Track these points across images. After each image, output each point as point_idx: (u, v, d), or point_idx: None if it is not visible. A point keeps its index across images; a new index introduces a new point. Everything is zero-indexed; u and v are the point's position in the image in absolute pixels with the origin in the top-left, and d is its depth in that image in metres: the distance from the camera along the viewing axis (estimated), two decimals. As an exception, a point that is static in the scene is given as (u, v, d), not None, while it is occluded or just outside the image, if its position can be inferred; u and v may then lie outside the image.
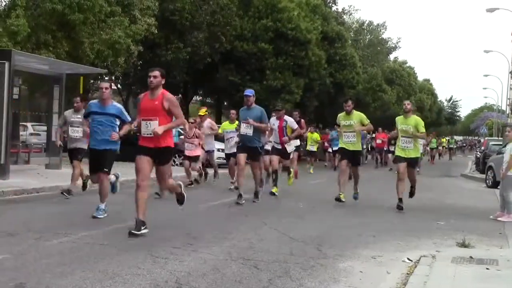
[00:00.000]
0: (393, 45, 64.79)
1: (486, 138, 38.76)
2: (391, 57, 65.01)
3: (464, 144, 79.26)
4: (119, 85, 31.34)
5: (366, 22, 62.18)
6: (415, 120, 11.54)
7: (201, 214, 9.89)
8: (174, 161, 19.10)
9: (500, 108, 62.75)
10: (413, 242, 8.10)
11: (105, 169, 9.16)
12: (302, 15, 32.31)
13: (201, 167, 15.05)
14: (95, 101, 9.46)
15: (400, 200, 11.33)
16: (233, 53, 29.60)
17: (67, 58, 18.39)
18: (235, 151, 12.52)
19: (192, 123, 14.32)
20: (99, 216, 8.84)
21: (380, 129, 29.93)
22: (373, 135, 32.39)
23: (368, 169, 27.01)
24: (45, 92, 17.38)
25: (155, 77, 7.70)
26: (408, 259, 6.89)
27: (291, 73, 31.17)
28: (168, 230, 7.99)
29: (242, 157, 11.49)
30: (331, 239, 8.00)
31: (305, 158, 24.67)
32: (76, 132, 11.14)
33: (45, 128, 17.31)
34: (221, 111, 37.87)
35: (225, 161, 17.90)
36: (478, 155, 28.59)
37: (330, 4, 43.48)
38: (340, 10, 49.36)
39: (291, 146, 13.68)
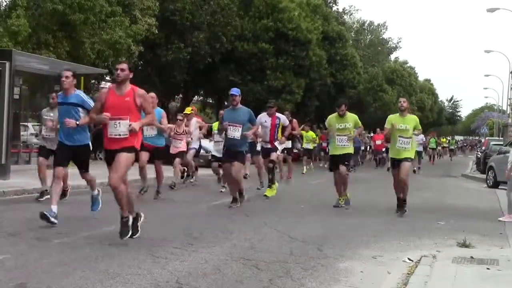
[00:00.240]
0: (394, 45, 64.90)
1: (486, 138, 38.76)
2: (392, 57, 65.10)
3: (465, 144, 79.26)
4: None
5: (367, 22, 62.28)
6: (413, 118, 11.00)
7: (201, 214, 9.89)
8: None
9: (501, 108, 62.76)
10: (413, 242, 8.10)
11: (83, 170, 8.84)
12: (302, 15, 32.32)
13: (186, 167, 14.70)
14: (60, 92, 8.99)
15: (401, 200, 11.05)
16: (233, 53, 29.61)
17: (68, 58, 18.39)
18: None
19: (180, 120, 14.01)
20: (97, 210, 8.87)
21: (378, 129, 29.55)
22: (371, 135, 32.36)
23: (368, 169, 27.02)
24: (46, 92, 17.38)
25: (122, 70, 7.07)
26: (408, 259, 6.89)
27: (291, 73, 31.18)
28: (169, 230, 7.99)
29: (229, 167, 10.73)
30: (331, 239, 8.00)
31: (301, 158, 24.49)
32: (48, 131, 10.24)
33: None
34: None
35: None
36: (479, 155, 28.59)
37: (331, 4, 43.51)
38: (340, 10, 49.51)
39: (282, 146, 13.24)
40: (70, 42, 19.03)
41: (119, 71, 7.03)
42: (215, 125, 14.38)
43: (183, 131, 13.84)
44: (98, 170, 10.32)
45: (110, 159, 6.97)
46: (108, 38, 19.37)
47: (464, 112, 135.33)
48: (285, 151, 16.06)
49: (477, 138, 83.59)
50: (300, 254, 6.85)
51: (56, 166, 8.43)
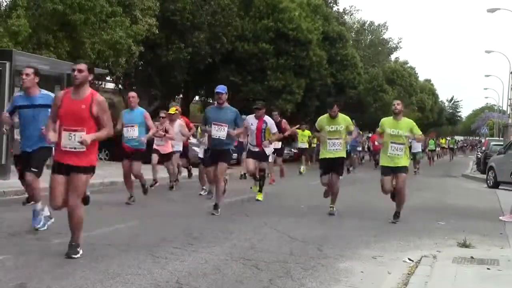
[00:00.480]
0: (394, 46, 64.86)
1: (487, 139, 38.74)
2: (392, 57, 65.06)
3: (465, 145, 79.24)
4: (120, 86, 31.34)
5: (367, 23, 62.25)
6: (408, 123, 9.92)
7: (201, 214, 9.89)
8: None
9: (501, 108, 62.75)
10: (414, 242, 8.10)
11: (32, 169, 7.49)
12: (303, 16, 32.31)
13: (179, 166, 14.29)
14: (20, 92, 7.93)
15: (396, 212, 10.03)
16: (234, 53, 29.60)
17: (68, 58, 18.37)
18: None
19: (163, 117, 13.50)
20: (37, 226, 7.51)
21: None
22: (370, 135, 32.31)
23: (367, 170, 27.00)
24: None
25: (80, 71, 6.04)
26: (409, 259, 6.89)
27: (292, 73, 31.17)
28: (169, 230, 7.99)
29: (216, 170, 10.00)
30: (332, 239, 8.00)
31: (291, 159, 24.52)
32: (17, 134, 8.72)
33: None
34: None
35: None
36: (479, 156, 28.59)
37: (331, 5, 43.52)
38: (341, 10, 49.51)
39: (271, 148, 12.51)
40: (70, 42, 19.03)
41: (76, 72, 6.01)
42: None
43: (163, 128, 13.20)
44: (99, 170, 10.34)
45: (60, 171, 6.09)
46: (109, 38, 19.37)
47: (464, 112, 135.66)
48: (275, 153, 15.56)
49: (477, 138, 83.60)
50: (300, 254, 6.85)
51: (24, 173, 7.66)
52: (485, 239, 8.57)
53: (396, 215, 9.99)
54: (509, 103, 51.34)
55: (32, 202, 7.76)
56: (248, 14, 30.72)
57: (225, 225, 8.80)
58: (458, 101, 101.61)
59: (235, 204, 11.40)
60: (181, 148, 14.03)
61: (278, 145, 15.49)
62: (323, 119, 10.40)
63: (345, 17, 51.92)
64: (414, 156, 25.26)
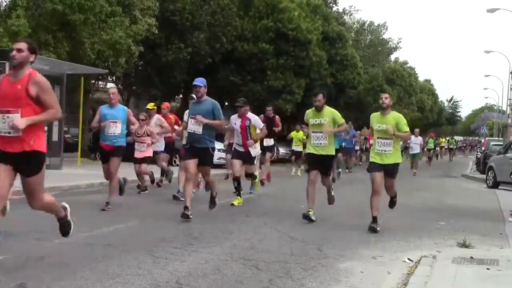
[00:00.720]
0: (394, 46, 64.89)
1: (486, 139, 38.76)
2: (392, 57, 65.08)
3: (464, 145, 79.28)
4: (120, 86, 31.34)
5: (367, 23, 62.26)
6: (395, 117, 9.06)
7: (201, 214, 9.88)
8: (175, 162, 18.56)
9: (500, 108, 62.85)
10: (413, 242, 8.10)
11: None
12: (302, 16, 32.34)
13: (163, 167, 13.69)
14: None
15: (375, 219, 8.88)
16: (233, 53, 29.62)
17: (68, 58, 18.42)
18: None
19: (142, 120, 12.70)
20: None
21: None
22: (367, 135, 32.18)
23: (365, 169, 27.01)
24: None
25: (19, 50, 5.57)
26: (408, 259, 6.89)
27: (292, 73, 31.20)
28: (169, 230, 7.99)
29: (192, 164, 9.24)
30: (331, 239, 8.00)
31: (290, 159, 23.93)
32: None
33: (45, 128, 17.30)
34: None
35: (224, 160, 17.59)
36: (479, 156, 28.60)
37: (331, 5, 43.55)
38: (340, 10, 49.57)
39: (256, 149, 11.81)
40: (70, 42, 19.05)
41: (15, 52, 5.53)
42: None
43: (144, 132, 12.60)
44: (99, 171, 10.35)
45: (2, 159, 5.48)
46: (108, 38, 19.39)
47: (464, 112, 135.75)
48: (267, 150, 14.73)
49: (477, 138, 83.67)
50: (300, 254, 6.85)
51: None
52: (485, 239, 8.57)
53: (392, 201, 9.73)
54: (508, 103, 51.44)
55: None
56: (247, 14, 30.74)
57: (225, 225, 8.80)
58: (457, 101, 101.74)
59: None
60: (163, 148, 13.48)
61: (271, 141, 14.71)
62: (309, 112, 9.74)
63: (345, 17, 51.97)
64: (413, 157, 25.23)
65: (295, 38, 30.89)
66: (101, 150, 10.29)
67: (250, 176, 11.98)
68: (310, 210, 9.46)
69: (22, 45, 5.63)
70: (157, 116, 13.19)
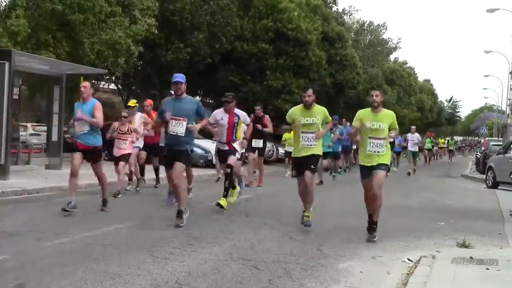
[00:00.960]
0: (394, 46, 64.91)
1: (486, 139, 38.77)
2: (392, 57, 65.15)
3: (463, 145, 79.29)
4: (119, 86, 31.33)
5: (367, 23, 62.28)
6: (389, 115, 8.27)
7: (201, 214, 9.89)
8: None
9: (500, 108, 62.86)
10: (413, 243, 8.11)
11: None
12: (302, 16, 32.32)
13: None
14: None
15: (373, 224, 8.17)
16: (233, 54, 29.61)
17: (67, 58, 18.40)
18: None
19: (125, 117, 12.30)
20: None
21: None
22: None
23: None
24: (46, 93, 17.41)
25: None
26: (408, 259, 6.90)
27: (291, 73, 31.18)
28: (168, 230, 7.99)
29: (173, 171, 8.61)
30: (331, 239, 8.01)
31: (283, 160, 23.61)
32: None
33: (45, 128, 17.35)
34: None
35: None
36: (478, 156, 28.61)
37: (331, 5, 43.51)
38: (340, 10, 49.47)
39: (242, 144, 10.91)
40: (69, 42, 19.03)
41: None
42: None
43: (127, 130, 12.16)
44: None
45: None
46: (108, 38, 19.37)
47: (463, 112, 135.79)
48: (256, 151, 14.61)
49: (476, 138, 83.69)
50: (299, 254, 6.85)
51: None
52: (484, 240, 8.58)
53: (372, 226, 8.13)
54: (508, 103, 51.43)
55: None
56: (247, 14, 30.73)
57: (225, 225, 8.80)
58: (457, 101, 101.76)
59: (235, 204, 11.39)
60: (141, 145, 12.85)
61: (259, 143, 14.32)
62: (295, 110, 8.79)
63: (344, 17, 51.91)
64: (412, 155, 25.14)
65: (295, 38, 30.88)
66: (75, 145, 9.56)
67: (229, 167, 10.35)
68: (305, 213, 8.80)
69: None
70: (139, 114, 12.71)
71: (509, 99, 51.31)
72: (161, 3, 23.75)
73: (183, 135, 8.52)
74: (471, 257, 6.86)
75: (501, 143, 27.10)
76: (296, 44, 31.09)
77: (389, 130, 8.20)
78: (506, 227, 9.96)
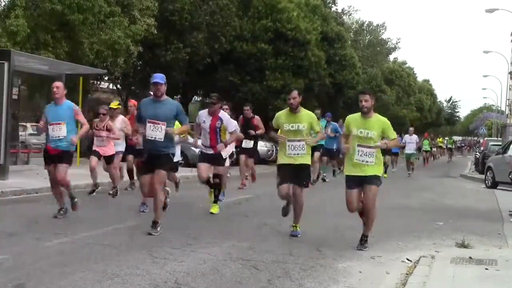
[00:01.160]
0: (393, 46, 64.94)
1: (485, 139, 38.77)
2: (391, 57, 65.19)
3: (463, 145, 79.32)
4: (118, 86, 31.31)
5: (366, 23, 62.29)
6: (380, 123, 7.44)
7: (200, 215, 9.89)
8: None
9: (499, 108, 62.90)
10: (412, 243, 8.11)
11: None
12: (301, 16, 32.31)
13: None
14: None
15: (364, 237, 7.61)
16: (232, 54, 29.60)
17: (67, 58, 18.38)
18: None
19: (103, 114, 11.80)
20: None
21: None
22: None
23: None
24: (45, 93, 17.39)
25: None
26: (407, 259, 6.90)
27: (290, 73, 31.17)
28: (168, 231, 7.98)
29: (149, 178, 7.99)
30: (330, 239, 8.01)
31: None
32: None
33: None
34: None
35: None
36: (478, 156, 28.62)
37: (330, 5, 43.50)
38: (339, 10, 49.43)
39: (228, 149, 10.36)
40: (69, 42, 19.02)
41: None
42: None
43: (104, 126, 11.73)
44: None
45: None
46: (107, 38, 19.36)
47: (462, 112, 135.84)
48: (246, 152, 14.02)
49: (475, 138, 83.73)
50: (299, 254, 6.85)
51: None
52: (484, 240, 8.58)
53: (364, 239, 7.55)
54: (507, 103, 51.49)
55: None
56: (246, 14, 30.72)
57: (224, 225, 8.80)
58: (456, 101, 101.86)
59: (235, 204, 11.40)
60: (123, 149, 12.38)
61: (250, 143, 13.80)
62: (281, 115, 8.10)
63: (344, 17, 51.88)
64: (409, 157, 25.11)
65: (294, 38, 30.88)
66: (45, 153, 9.05)
67: (218, 177, 9.91)
68: (295, 226, 8.24)
69: None
70: (121, 118, 12.17)
71: (508, 99, 51.39)
72: (161, 3, 23.74)
73: (161, 140, 7.81)
74: (470, 257, 6.87)
75: (500, 143, 27.10)
76: (296, 44, 31.08)
77: (382, 138, 7.45)
78: (505, 227, 9.97)
